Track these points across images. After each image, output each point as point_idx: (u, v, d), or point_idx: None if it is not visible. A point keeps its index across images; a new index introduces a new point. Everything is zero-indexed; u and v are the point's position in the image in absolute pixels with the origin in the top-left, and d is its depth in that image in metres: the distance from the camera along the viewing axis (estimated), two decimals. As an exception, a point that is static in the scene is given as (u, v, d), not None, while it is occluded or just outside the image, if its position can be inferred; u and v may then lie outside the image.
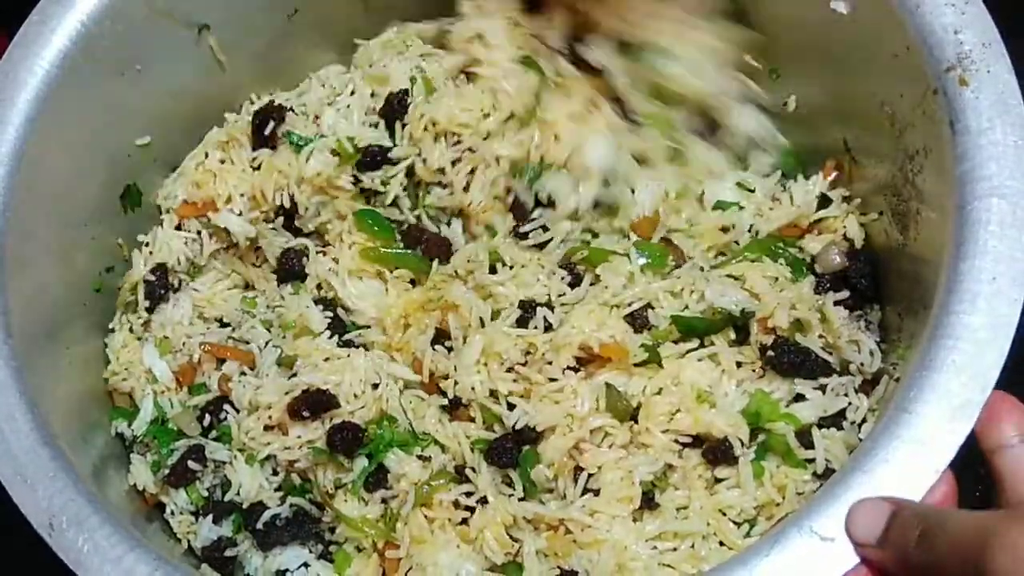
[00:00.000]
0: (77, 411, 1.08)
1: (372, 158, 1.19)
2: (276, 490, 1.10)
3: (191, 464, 1.11)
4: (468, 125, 1.18)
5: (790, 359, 1.02)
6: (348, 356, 1.11)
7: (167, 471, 1.11)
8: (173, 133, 1.24)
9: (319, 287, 1.20)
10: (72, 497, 0.90)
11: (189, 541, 1.10)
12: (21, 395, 0.96)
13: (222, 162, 1.24)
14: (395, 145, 1.19)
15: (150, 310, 1.21)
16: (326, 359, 1.11)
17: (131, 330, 1.21)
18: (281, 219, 1.23)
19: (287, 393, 1.09)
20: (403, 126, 1.19)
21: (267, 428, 1.10)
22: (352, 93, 1.24)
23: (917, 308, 0.92)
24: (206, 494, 1.12)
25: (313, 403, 1.08)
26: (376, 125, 1.21)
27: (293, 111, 1.24)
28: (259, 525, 1.08)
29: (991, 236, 0.85)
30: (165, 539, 1.09)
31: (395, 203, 1.20)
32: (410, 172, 1.19)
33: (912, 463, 0.79)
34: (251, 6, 1.22)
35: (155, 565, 0.87)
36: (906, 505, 0.76)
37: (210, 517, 1.10)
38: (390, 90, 1.21)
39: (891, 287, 1.05)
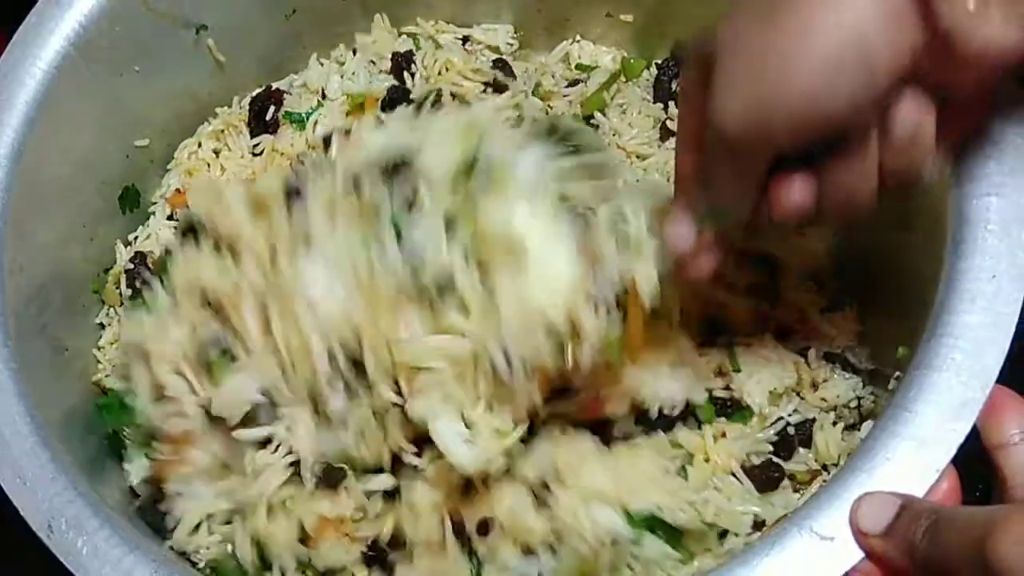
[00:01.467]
0: (76, 412, 1.08)
1: (394, 97, 1.19)
2: None
3: None
4: (481, 70, 1.19)
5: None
6: None
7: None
8: (172, 134, 1.24)
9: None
10: (71, 499, 0.89)
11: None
12: (20, 397, 0.95)
13: (216, 152, 1.24)
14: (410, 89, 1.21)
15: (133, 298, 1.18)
16: None
17: (120, 322, 1.18)
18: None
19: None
20: (412, 75, 1.21)
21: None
22: (354, 53, 1.27)
23: (916, 307, 0.92)
24: None
25: None
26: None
27: (290, 93, 1.24)
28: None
29: (990, 234, 0.85)
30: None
31: None
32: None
33: (912, 462, 0.79)
34: (249, 6, 1.22)
35: (154, 567, 0.86)
36: (916, 500, 0.76)
37: None
38: (394, 51, 1.23)
39: (889, 286, 1.05)
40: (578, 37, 1.34)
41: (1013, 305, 0.82)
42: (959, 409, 0.80)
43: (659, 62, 1.28)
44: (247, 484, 0.96)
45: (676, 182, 0.89)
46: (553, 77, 1.29)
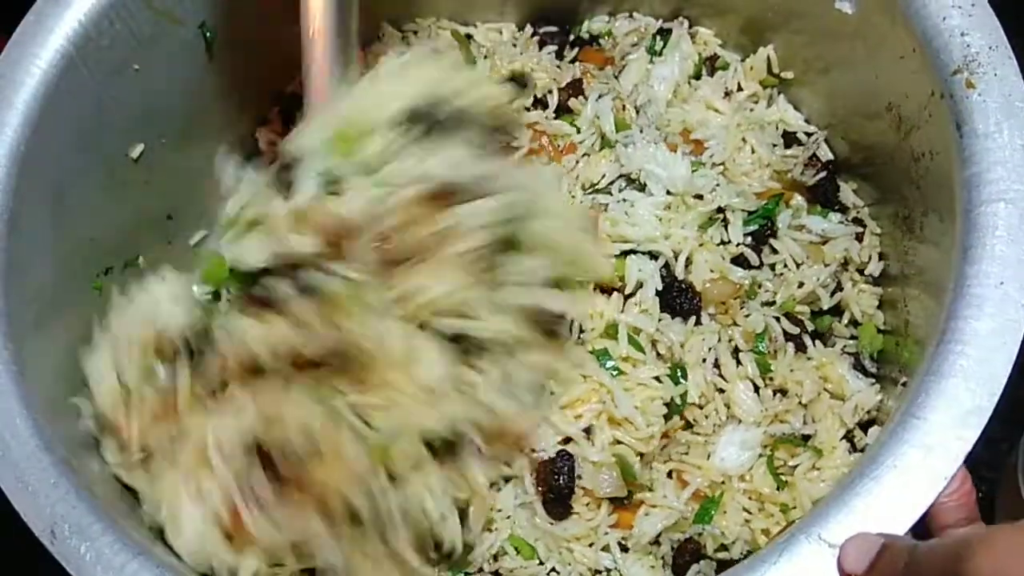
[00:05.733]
0: (76, 415, 1.07)
1: None
2: None
3: None
4: None
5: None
6: None
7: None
8: (172, 133, 1.23)
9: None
10: (74, 504, 0.89)
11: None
12: (21, 399, 0.94)
13: None
14: None
15: None
16: None
17: None
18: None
19: None
20: None
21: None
22: None
23: (924, 313, 0.92)
24: None
25: None
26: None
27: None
28: None
29: (998, 240, 0.85)
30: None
31: None
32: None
33: (920, 469, 0.79)
34: (249, 5, 1.21)
35: (158, 573, 0.86)
36: (899, 539, 0.77)
37: None
38: None
39: (897, 291, 1.05)
40: (581, 36, 1.34)
41: (1020, 311, 0.82)
42: (966, 417, 0.80)
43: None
44: None
45: None
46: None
